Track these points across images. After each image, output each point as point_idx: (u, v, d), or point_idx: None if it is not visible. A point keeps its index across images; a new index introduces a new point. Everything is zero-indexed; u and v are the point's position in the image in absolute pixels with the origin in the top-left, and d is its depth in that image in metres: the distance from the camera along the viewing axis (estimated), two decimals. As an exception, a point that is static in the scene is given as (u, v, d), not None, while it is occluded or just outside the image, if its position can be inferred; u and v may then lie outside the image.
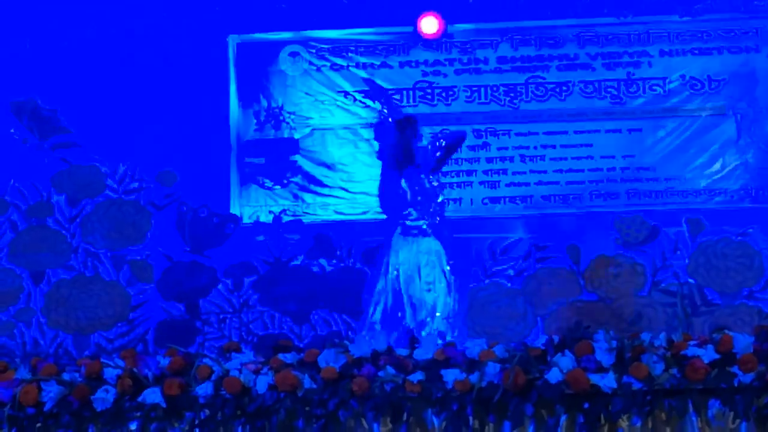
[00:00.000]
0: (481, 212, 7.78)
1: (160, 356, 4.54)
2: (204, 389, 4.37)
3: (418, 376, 4.27)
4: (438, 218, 5.64)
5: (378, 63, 7.96)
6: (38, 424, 4.48)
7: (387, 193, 5.76)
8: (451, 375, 4.25)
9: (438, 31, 7.84)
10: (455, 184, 7.69)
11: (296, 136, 7.98)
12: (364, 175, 7.82)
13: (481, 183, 7.82)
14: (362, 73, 7.93)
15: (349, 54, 7.99)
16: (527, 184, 7.80)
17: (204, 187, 7.91)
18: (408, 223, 5.61)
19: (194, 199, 7.94)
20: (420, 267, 5.55)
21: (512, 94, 7.88)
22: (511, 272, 7.71)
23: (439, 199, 5.66)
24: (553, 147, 7.82)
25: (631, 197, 7.73)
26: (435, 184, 5.67)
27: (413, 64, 7.95)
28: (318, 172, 7.94)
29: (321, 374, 4.31)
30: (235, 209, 7.94)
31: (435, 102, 7.89)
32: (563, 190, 7.78)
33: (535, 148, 7.84)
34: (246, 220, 7.92)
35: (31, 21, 7.95)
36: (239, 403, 4.34)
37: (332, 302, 7.76)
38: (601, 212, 7.71)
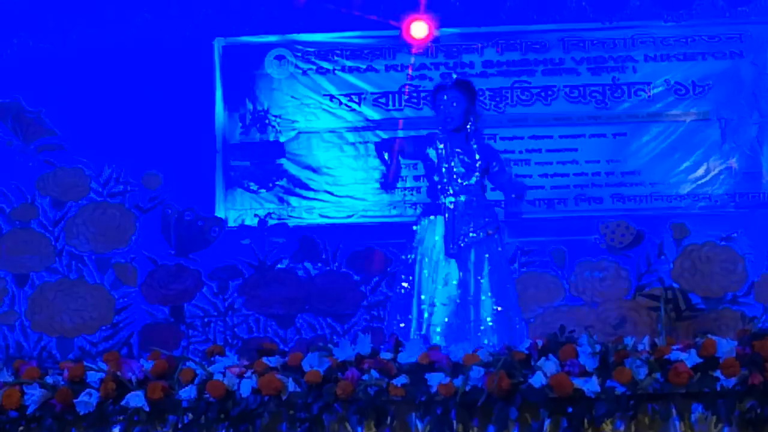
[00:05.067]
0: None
1: (144, 359, 4.52)
2: (187, 393, 4.35)
3: (402, 380, 4.26)
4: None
5: (364, 66, 7.97)
6: (20, 428, 4.46)
7: None
8: (435, 379, 4.24)
9: (427, 36, 7.83)
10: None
11: (282, 139, 7.98)
12: (350, 178, 7.84)
13: (466, 187, 7.82)
14: (348, 77, 7.93)
15: (335, 57, 7.99)
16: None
17: (189, 190, 7.90)
18: None
19: (179, 202, 7.93)
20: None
21: (498, 99, 7.89)
22: (496, 276, 7.71)
23: None
24: (539, 151, 7.84)
25: (616, 202, 7.76)
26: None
27: (399, 67, 7.95)
28: (303, 175, 7.94)
29: (305, 378, 4.30)
30: (220, 212, 7.93)
31: (421, 106, 7.90)
32: (548, 194, 7.79)
33: (521, 152, 7.85)
34: (231, 224, 7.91)
35: (16, 22, 7.94)
36: (223, 406, 4.32)
37: (317, 306, 7.75)
38: (586, 216, 7.73)
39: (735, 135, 7.71)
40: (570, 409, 4.18)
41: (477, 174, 5.56)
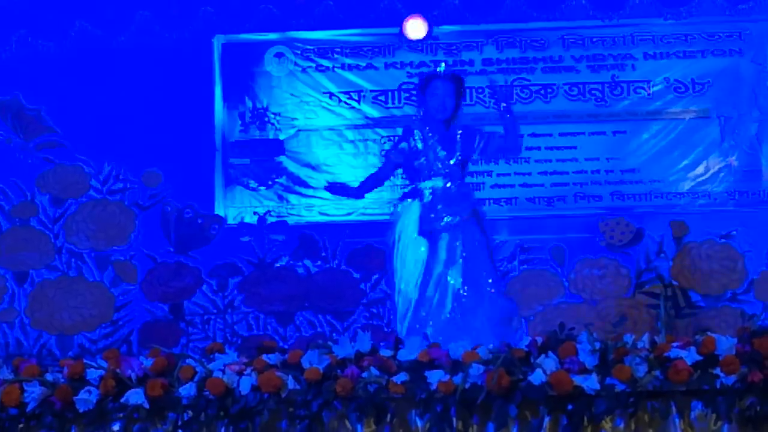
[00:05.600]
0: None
1: (144, 357, 4.52)
2: (187, 390, 4.36)
3: (401, 377, 4.27)
4: None
5: (363, 64, 7.96)
6: (20, 425, 4.46)
7: None
8: (435, 376, 4.24)
9: (423, 33, 7.84)
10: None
11: (281, 137, 7.98)
12: (349, 176, 7.80)
13: (465, 184, 7.82)
14: (348, 75, 7.93)
15: (335, 55, 7.99)
16: (512, 186, 7.81)
17: (189, 188, 7.90)
18: None
19: (179, 200, 7.93)
20: None
21: (497, 96, 7.87)
22: (495, 273, 7.71)
23: None
24: (538, 149, 7.83)
25: (616, 199, 7.75)
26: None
27: (398, 65, 7.95)
28: (303, 173, 7.94)
29: (304, 375, 4.30)
30: (219, 210, 7.93)
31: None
32: (548, 192, 7.79)
33: (520, 150, 7.84)
34: (231, 221, 7.91)
35: (15, 20, 7.93)
36: (222, 404, 4.33)
37: (317, 303, 7.76)
38: (586, 214, 7.73)
39: (734, 133, 7.71)
40: (570, 407, 4.19)
41: (458, 154, 5.62)
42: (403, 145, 5.66)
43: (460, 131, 5.66)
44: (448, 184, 5.60)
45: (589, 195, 7.77)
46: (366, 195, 5.98)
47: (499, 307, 5.46)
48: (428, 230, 5.54)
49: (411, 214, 5.61)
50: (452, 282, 5.47)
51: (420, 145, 5.61)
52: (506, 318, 5.44)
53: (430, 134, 5.62)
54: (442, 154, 5.60)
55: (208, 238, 7.90)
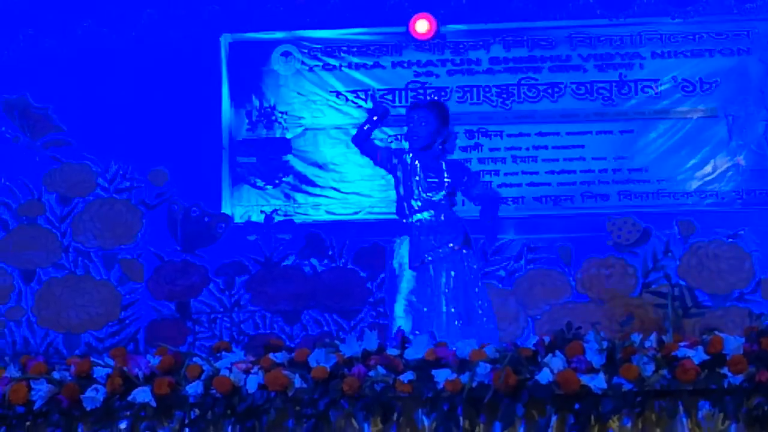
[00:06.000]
0: (473, 213, 7.76)
1: (150, 355, 4.52)
2: (194, 388, 4.36)
3: (408, 376, 4.26)
4: None
5: (370, 63, 7.96)
6: (27, 423, 4.46)
7: None
8: (441, 375, 4.24)
9: (430, 31, 7.84)
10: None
11: (288, 135, 7.98)
12: (356, 175, 7.83)
13: (472, 183, 7.81)
14: (355, 74, 7.93)
15: (342, 54, 7.99)
16: (519, 185, 7.81)
17: (196, 187, 7.91)
18: None
19: (186, 199, 7.94)
20: None
21: (504, 95, 7.89)
22: (502, 273, 7.72)
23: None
24: (545, 148, 7.83)
25: (623, 199, 7.74)
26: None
27: (405, 64, 7.95)
28: (310, 172, 7.94)
29: (311, 374, 4.30)
30: (226, 209, 7.93)
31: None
32: (555, 191, 7.79)
33: (527, 149, 7.85)
34: (237, 220, 7.91)
35: (22, 19, 7.94)
36: (229, 402, 4.33)
37: (323, 302, 7.76)
38: (593, 213, 7.72)
39: (742, 132, 7.70)
40: (577, 406, 4.18)
41: (444, 190, 5.67)
42: (396, 160, 5.72)
43: (444, 165, 5.71)
44: (437, 215, 5.65)
45: (597, 194, 7.77)
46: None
47: (488, 339, 5.50)
48: (419, 263, 5.58)
49: (404, 248, 5.66)
50: (444, 311, 5.51)
51: (401, 173, 5.68)
52: None
53: (417, 163, 5.67)
54: (426, 185, 5.65)
55: (215, 236, 7.91)
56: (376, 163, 5.89)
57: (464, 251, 5.65)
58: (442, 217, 5.65)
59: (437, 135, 5.69)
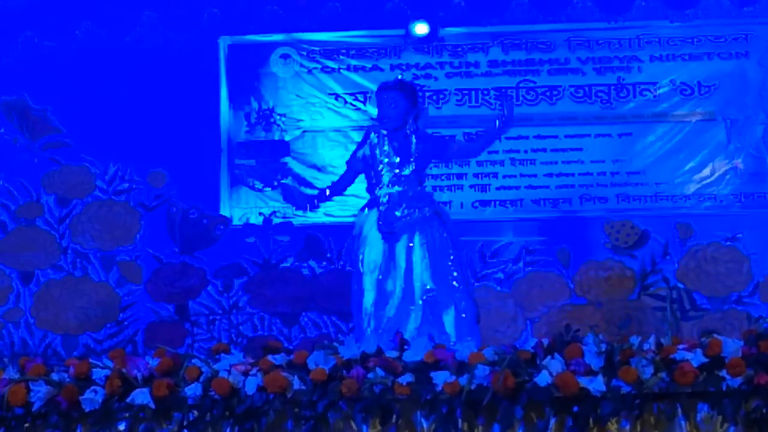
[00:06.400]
0: (471, 215, 7.78)
1: (149, 357, 4.53)
2: (193, 390, 4.36)
3: (407, 378, 4.27)
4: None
5: (369, 66, 7.97)
6: (26, 424, 4.46)
7: None
8: (440, 377, 4.24)
9: (428, 33, 7.84)
10: (445, 187, 7.70)
11: (287, 138, 7.98)
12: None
13: (471, 186, 7.83)
14: (353, 76, 7.94)
15: (340, 56, 7.99)
16: (517, 188, 7.81)
17: (194, 189, 7.91)
18: None
19: (184, 201, 7.94)
20: None
21: (502, 102, 7.87)
22: (501, 275, 7.72)
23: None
24: (544, 151, 7.83)
25: (621, 201, 7.75)
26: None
27: (404, 67, 7.95)
28: (308, 174, 7.94)
29: (310, 376, 4.31)
30: (225, 211, 7.93)
31: (426, 105, 7.89)
32: (553, 194, 7.79)
33: (526, 151, 7.85)
34: (236, 222, 7.91)
35: (21, 20, 7.94)
36: (228, 404, 4.33)
37: (322, 304, 7.76)
38: (591, 216, 7.72)
39: (741, 135, 7.70)
40: (575, 408, 4.19)
41: (412, 163, 5.68)
42: (361, 152, 5.77)
43: (414, 138, 5.72)
44: (405, 190, 5.67)
45: (595, 197, 7.77)
46: (322, 204, 6.06)
47: (463, 308, 5.50)
48: (388, 230, 5.60)
49: (370, 220, 5.69)
50: (417, 281, 5.53)
51: (377, 152, 5.69)
52: (471, 319, 5.51)
53: (387, 141, 5.69)
54: (396, 160, 5.67)
55: (214, 238, 7.91)
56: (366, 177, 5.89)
57: (435, 221, 5.67)
58: (410, 193, 5.67)
59: (407, 115, 5.72)
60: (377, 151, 5.71)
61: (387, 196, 5.67)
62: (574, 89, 7.87)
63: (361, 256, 5.67)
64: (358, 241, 5.72)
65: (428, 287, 5.54)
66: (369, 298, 5.55)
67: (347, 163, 5.92)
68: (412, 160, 5.68)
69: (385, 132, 5.74)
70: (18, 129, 8.02)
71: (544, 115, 7.84)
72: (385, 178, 5.68)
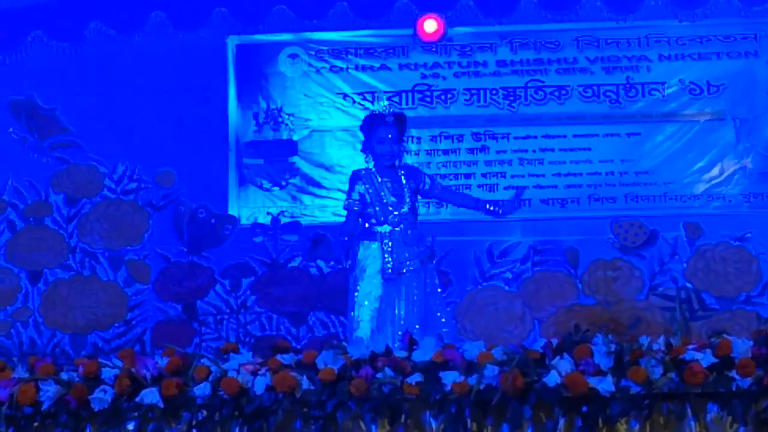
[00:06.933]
0: (480, 215, 7.76)
1: (158, 356, 4.53)
2: (202, 390, 4.37)
3: (416, 378, 4.27)
4: None
5: (377, 65, 7.96)
6: (35, 424, 4.47)
7: None
8: (449, 377, 4.24)
9: (437, 32, 7.84)
10: (453, 187, 7.69)
11: (295, 137, 7.99)
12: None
13: (479, 186, 7.82)
14: (362, 76, 7.94)
15: (349, 56, 7.99)
16: (525, 188, 7.77)
17: (202, 188, 7.92)
18: None
19: (192, 200, 7.94)
20: None
21: (511, 98, 7.88)
22: (509, 275, 7.72)
23: None
24: (552, 150, 7.83)
25: (630, 201, 7.74)
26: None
27: (412, 66, 7.95)
28: (316, 173, 7.94)
29: (319, 375, 4.31)
30: (233, 210, 7.93)
31: (434, 104, 7.90)
32: (561, 193, 7.78)
33: (534, 151, 7.84)
34: (244, 221, 7.91)
35: (30, 20, 7.95)
36: (237, 403, 4.33)
37: (330, 304, 7.76)
38: (600, 216, 7.71)
39: (749, 135, 7.69)
40: (584, 409, 4.18)
41: (408, 201, 5.70)
42: (355, 195, 5.71)
43: (402, 172, 5.74)
44: (405, 230, 5.66)
45: (603, 197, 7.76)
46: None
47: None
48: (395, 275, 5.60)
49: (371, 254, 5.65)
50: (404, 322, 5.54)
51: (371, 191, 5.68)
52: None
53: (379, 179, 5.69)
54: (393, 200, 5.67)
55: (222, 238, 7.91)
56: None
57: (430, 265, 5.72)
58: (410, 232, 5.67)
59: (402, 150, 5.80)
60: (371, 191, 5.69)
61: (388, 235, 5.64)
62: (583, 89, 7.86)
63: (358, 287, 5.65)
64: (355, 271, 5.69)
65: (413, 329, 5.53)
66: (365, 329, 5.52)
67: (346, 207, 5.78)
68: (407, 199, 5.70)
69: (372, 168, 5.70)
70: (27, 129, 8.03)
71: (552, 115, 7.83)
72: (385, 218, 5.67)
